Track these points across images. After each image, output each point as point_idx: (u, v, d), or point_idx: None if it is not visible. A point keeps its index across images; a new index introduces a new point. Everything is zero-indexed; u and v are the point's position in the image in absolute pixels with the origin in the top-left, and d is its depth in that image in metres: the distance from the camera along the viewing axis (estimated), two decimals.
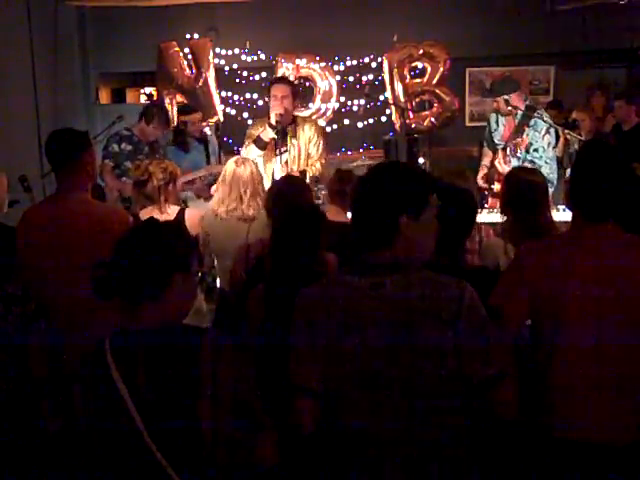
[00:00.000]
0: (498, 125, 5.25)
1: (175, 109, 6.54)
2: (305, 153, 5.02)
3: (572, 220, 2.32)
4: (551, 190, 4.43)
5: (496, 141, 5.27)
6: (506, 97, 5.08)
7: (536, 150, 4.98)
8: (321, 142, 5.05)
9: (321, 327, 1.86)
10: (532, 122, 5.02)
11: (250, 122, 5.78)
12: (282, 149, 4.90)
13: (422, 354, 1.81)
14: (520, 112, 5.04)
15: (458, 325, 1.80)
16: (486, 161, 5.38)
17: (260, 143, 4.86)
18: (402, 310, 1.81)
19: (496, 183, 5.05)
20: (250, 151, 4.91)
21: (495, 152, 5.28)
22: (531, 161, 4.94)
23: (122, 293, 1.79)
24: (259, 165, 4.96)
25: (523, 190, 3.10)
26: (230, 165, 3.89)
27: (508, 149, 5.09)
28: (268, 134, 4.82)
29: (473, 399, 1.88)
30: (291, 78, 6.23)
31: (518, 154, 5.02)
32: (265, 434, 1.84)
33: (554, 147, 5.10)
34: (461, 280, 1.87)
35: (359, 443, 1.85)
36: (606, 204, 2.20)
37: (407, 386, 1.82)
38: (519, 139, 5.04)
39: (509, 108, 5.05)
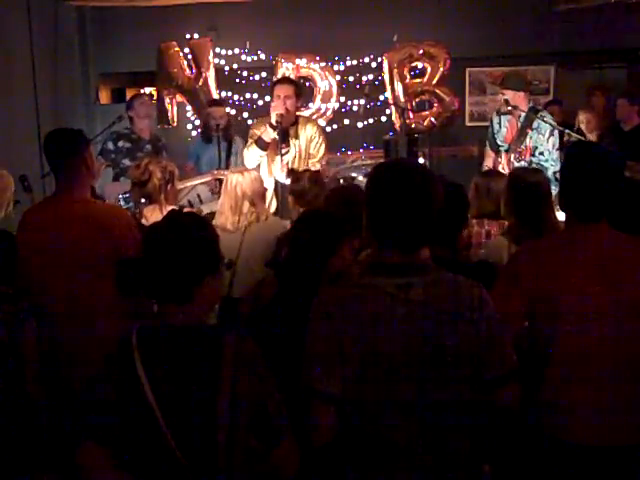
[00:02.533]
0: (500, 127, 5.24)
1: (176, 108, 6.54)
2: (306, 153, 5.01)
3: (565, 220, 2.33)
4: (556, 191, 4.42)
5: (499, 142, 5.25)
6: (506, 97, 5.08)
7: (542, 153, 4.97)
8: (322, 142, 5.04)
9: (345, 329, 1.81)
10: (535, 124, 5.01)
11: (250, 122, 5.78)
12: (283, 150, 4.89)
13: (451, 354, 1.82)
14: (523, 113, 5.03)
15: (479, 323, 1.83)
16: (488, 162, 5.36)
17: (261, 143, 4.85)
18: (431, 312, 1.81)
19: None
20: (252, 151, 4.91)
21: (498, 153, 5.27)
22: (538, 164, 4.93)
23: (150, 292, 1.79)
24: (262, 165, 4.97)
25: (526, 190, 3.10)
26: (229, 176, 3.86)
27: (512, 155, 5.06)
28: (269, 134, 4.82)
29: (480, 396, 1.89)
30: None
31: (523, 161, 5.01)
32: (284, 442, 1.76)
33: (558, 149, 5.08)
34: (471, 279, 1.89)
35: (379, 447, 1.84)
36: (597, 204, 2.20)
37: (432, 388, 1.82)
38: (523, 146, 5.03)
39: (509, 108, 5.05)
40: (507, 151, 5.15)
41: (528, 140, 5.03)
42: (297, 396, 1.85)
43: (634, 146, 5.44)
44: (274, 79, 6.18)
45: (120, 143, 5.32)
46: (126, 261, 1.81)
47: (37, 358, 2.90)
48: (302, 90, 5.24)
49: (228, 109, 7.00)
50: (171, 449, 1.69)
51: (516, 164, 5.01)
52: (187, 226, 1.81)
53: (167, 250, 1.76)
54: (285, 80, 5.29)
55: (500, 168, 5.13)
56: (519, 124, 5.08)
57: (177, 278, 1.75)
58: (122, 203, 4.61)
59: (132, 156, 5.24)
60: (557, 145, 5.03)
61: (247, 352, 1.74)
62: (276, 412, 1.76)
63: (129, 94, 8.33)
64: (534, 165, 4.90)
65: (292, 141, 4.95)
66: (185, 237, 1.78)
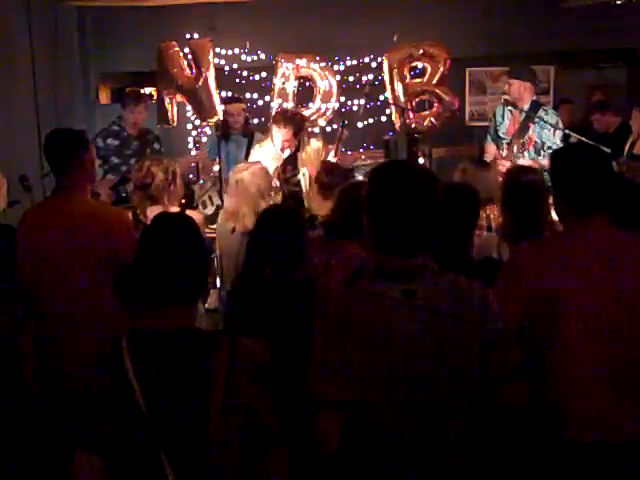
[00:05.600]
0: (504, 119, 5.26)
1: (176, 108, 6.54)
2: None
3: (560, 218, 2.34)
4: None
5: (501, 135, 5.28)
6: (506, 96, 5.10)
7: (550, 148, 4.96)
8: (324, 150, 5.11)
9: (350, 335, 1.81)
10: (537, 119, 5.03)
11: (249, 121, 5.84)
12: (289, 173, 4.93)
13: (457, 357, 1.82)
14: (526, 106, 5.06)
15: (485, 325, 1.84)
16: (488, 158, 5.37)
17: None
18: (435, 315, 1.81)
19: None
20: (260, 153, 4.96)
21: (499, 147, 5.28)
22: (545, 158, 4.92)
23: (148, 298, 1.77)
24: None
25: (521, 189, 3.10)
26: (237, 176, 3.89)
27: (515, 147, 5.07)
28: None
29: (486, 396, 1.89)
30: (291, 79, 6.24)
31: (526, 153, 5.02)
32: (278, 451, 1.74)
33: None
34: (477, 280, 1.89)
35: (384, 452, 1.83)
36: (589, 195, 2.20)
37: (438, 390, 1.82)
38: (526, 138, 5.04)
39: (509, 108, 5.07)
40: (509, 144, 5.17)
41: (530, 132, 5.05)
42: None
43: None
44: (273, 79, 6.20)
45: (109, 140, 5.31)
46: (125, 269, 1.80)
47: (35, 357, 2.91)
48: (301, 125, 5.06)
49: None
50: (160, 458, 1.67)
51: (519, 156, 5.02)
52: (181, 228, 1.82)
53: (160, 251, 1.76)
54: (282, 120, 4.95)
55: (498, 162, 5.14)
56: (521, 117, 5.10)
57: (173, 279, 1.75)
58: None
59: (120, 153, 5.24)
60: (561, 138, 5.04)
61: (242, 355, 1.71)
62: (270, 422, 1.72)
63: None
64: (540, 160, 4.90)
65: (300, 168, 4.98)
66: (180, 239, 1.78)
